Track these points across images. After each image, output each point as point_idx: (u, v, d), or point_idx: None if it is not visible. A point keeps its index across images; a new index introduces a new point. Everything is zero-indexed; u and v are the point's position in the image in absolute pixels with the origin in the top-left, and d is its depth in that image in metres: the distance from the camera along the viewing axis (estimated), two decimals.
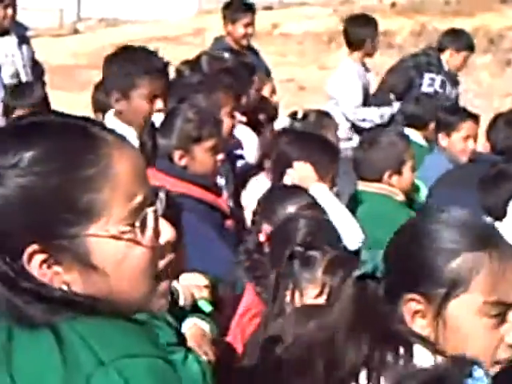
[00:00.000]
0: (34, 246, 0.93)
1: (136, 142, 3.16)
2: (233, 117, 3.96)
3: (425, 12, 15.89)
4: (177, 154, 3.25)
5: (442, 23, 14.65)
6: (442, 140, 5.04)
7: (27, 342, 0.93)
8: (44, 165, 0.92)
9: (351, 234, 3.26)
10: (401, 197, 3.88)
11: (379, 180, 3.76)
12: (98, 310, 0.94)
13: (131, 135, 3.15)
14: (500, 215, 3.12)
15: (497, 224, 2.55)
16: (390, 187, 3.81)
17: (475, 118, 5.18)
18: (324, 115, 4.81)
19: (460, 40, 6.78)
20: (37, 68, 6.36)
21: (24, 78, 6.11)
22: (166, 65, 3.57)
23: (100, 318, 0.94)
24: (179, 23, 16.84)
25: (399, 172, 3.81)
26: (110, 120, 3.47)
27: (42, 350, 0.91)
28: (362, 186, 3.92)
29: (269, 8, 19.62)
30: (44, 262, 0.93)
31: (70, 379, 0.88)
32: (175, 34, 15.19)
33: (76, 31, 17.62)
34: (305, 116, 4.62)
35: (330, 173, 3.49)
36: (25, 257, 0.93)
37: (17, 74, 6.03)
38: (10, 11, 5.92)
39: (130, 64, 3.43)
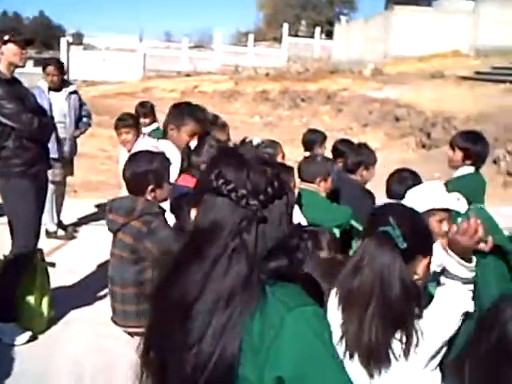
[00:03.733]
0: None
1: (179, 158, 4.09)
2: None
3: (287, 79, 22.49)
4: (203, 166, 3.52)
5: (298, 86, 21.51)
6: None
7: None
8: None
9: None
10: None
11: (313, 182, 4.18)
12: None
13: (176, 154, 4.09)
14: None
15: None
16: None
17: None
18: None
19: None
20: (84, 110, 7.07)
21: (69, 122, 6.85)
22: (205, 115, 4.26)
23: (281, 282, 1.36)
24: (132, 84, 23.56)
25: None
26: (166, 143, 4.26)
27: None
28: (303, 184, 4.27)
29: (188, 75, 26.98)
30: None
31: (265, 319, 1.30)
32: (131, 91, 21.58)
33: None
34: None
35: None
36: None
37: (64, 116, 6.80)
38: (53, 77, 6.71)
39: (183, 110, 4.22)
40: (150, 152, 3.61)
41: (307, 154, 5.45)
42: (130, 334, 3.24)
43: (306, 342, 1.31)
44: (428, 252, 1.95)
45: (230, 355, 1.31)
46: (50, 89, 6.69)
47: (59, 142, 6.71)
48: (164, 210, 3.34)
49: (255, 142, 5.23)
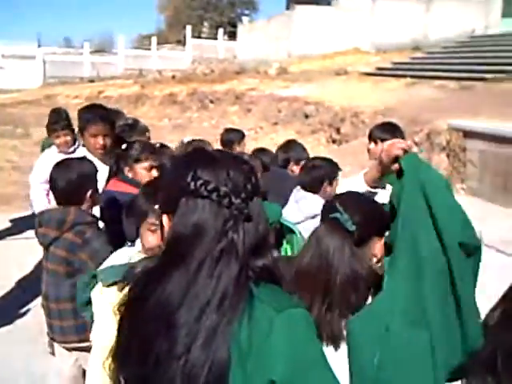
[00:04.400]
0: None
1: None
2: None
3: (193, 80, 22.46)
4: (126, 170, 3.74)
5: (206, 87, 21.53)
6: None
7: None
8: None
9: None
10: None
11: None
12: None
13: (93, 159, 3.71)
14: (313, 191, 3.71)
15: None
16: None
17: None
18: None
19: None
20: None
21: None
22: (107, 115, 4.04)
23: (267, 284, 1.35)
24: (32, 91, 22.73)
25: None
26: (82, 150, 4.12)
27: None
28: None
29: (92, 81, 26.34)
30: None
31: (253, 323, 1.29)
32: (33, 99, 20.87)
33: None
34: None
35: None
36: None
37: None
38: None
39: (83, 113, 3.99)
40: (75, 158, 3.47)
41: None
42: (69, 349, 3.13)
43: (297, 344, 1.30)
44: (383, 232, 1.97)
45: (222, 363, 1.27)
46: None
47: None
48: (97, 219, 3.24)
49: (186, 141, 5.16)
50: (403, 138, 4.02)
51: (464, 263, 1.71)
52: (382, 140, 3.86)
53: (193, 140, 5.20)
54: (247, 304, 1.31)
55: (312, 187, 3.71)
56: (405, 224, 1.77)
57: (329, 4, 28.97)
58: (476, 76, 14.62)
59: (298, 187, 3.80)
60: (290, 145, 5.04)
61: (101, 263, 2.60)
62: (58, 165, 3.22)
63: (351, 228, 1.87)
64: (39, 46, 34.09)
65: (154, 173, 3.70)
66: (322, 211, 2.06)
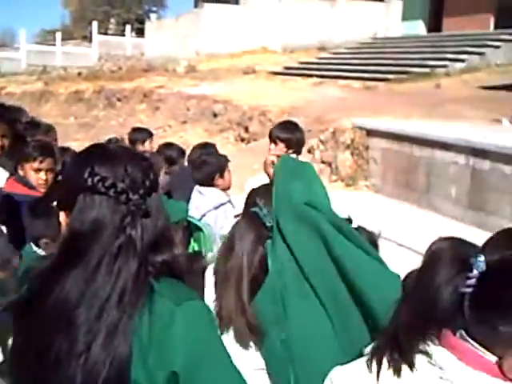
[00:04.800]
0: None
1: None
2: None
3: (100, 78, 22.04)
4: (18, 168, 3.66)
5: (113, 85, 21.13)
6: None
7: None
8: None
9: None
10: None
11: None
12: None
13: None
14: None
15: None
16: None
17: None
18: None
19: None
20: None
21: None
22: (3, 113, 3.87)
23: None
24: None
25: None
26: None
27: None
28: None
29: None
30: None
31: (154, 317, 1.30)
32: None
33: None
34: None
35: None
36: None
37: None
38: None
39: None
40: None
41: None
42: None
43: (197, 335, 1.33)
44: None
45: (123, 360, 1.27)
46: None
47: None
48: None
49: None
50: (302, 137, 4.13)
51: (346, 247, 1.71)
52: (282, 140, 3.94)
53: (110, 140, 5.20)
54: (147, 299, 1.31)
55: (206, 182, 3.92)
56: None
57: (237, 3, 29.13)
58: (379, 76, 15.16)
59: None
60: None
61: (3, 262, 2.53)
62: None
63: (269, 223, 1.86)
64: None
65: (43, 175, 3.60)
66: (243, 205, 2.07)
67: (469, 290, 1.16)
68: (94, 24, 35.26)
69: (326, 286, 1.66)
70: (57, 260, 1.38)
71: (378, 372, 1.23)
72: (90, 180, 1.34)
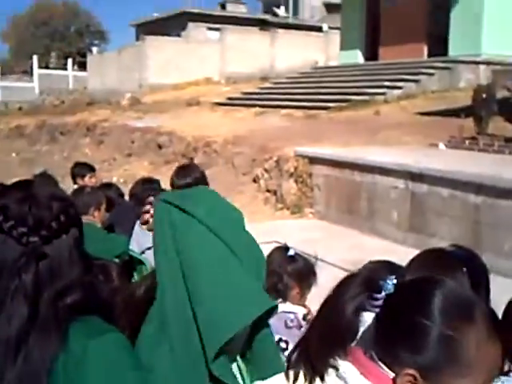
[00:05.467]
0: None
1: None
2: None
3: (42, 112, 21.82)
4: None
5: (55, 119, 20.92)
6: None
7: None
8: None
9: None
10: None
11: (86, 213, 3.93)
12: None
13: None
14: None
15: None
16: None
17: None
18: None
19: None
20: None
21: None
22: None
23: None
24: None
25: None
26: None
27: None
28: None
29: None
30: None
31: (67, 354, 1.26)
32: None
33: None
34: None
35: None
36: None
37: None
38: None
39: None
40: None
41: (76, 186, 5.49)
42: None
43: (111, 368, 1.30)
44: None
45: None
46: None
47: None
48: None
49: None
50: (203, 176, 4.15)
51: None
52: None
53: (40, 174, 5.14)
54: (60, 339, 1.28)
55: None
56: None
57: (178, 35, 29.39)
58: (320, 105, 15.50)
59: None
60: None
61: None
62: None
63: None
64: None
65: None
66: None
67: (375, 310, 1.22)
68: (35, 58, 34.95)
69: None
70: None
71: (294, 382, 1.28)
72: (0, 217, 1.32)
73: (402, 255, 1.94)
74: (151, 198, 3.69)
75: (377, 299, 1.22)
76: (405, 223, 8.12)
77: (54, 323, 1.30)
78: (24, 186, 1.42)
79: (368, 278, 1.26)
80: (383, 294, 1.22)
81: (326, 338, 1.24)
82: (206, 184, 3.99)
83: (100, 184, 5.48)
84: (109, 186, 5.36)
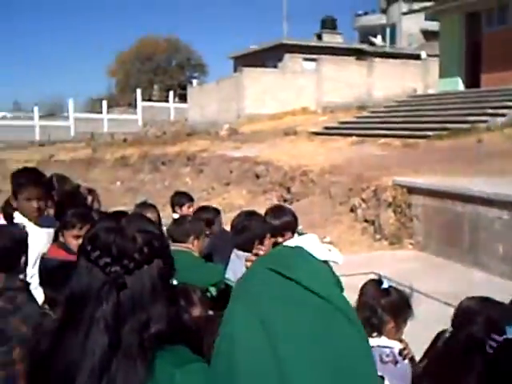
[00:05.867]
0: None
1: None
2: None
3: (145, 143, 22.70)
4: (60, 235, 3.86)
5: (157, 149, 21.73)
6: None
7: None
8: None
9: None
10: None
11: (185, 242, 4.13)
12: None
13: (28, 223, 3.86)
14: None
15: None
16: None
17: None
18: None
19: None
20: None
21: None
22: (40, 178, 4.04)
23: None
24: None
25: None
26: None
27: None
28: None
29: (42, 145, 26.21)
30: None
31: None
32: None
33: None
34: None
35: None
36: None
37: None
38: None
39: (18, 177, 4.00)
40: (4, 224, 3.53)
41: (176, 215, 5.62)
42: None
43: None
44: None
45: None
46: None
47: None
48: (28, 284, 3.20)
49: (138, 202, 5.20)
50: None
51: None
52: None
53: (141, 203, 5.31)
54: (146, 368, 1.31)
55: (244, 247, 3.74)
56: None
57: (275, 66, 29.85)
58: (418, 134, 15.22)
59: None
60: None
61: (36, 328, 2.63)
62: None
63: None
64: None
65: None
66: None
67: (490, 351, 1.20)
68: (138, 91, 36.52)
69: None
70: (56, 326, 1.42)
71: None
72: (87, 246, 1.39)
73: (510, 290, 1.88)
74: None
75: (496, 341, 1.20)
76: (511, 256, 7.80)
77: (139, 352, 1.32)
78: (116, 217, 1.47)
79: (491, 319, 1.24)
80: (503, 337, 1.20)
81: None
82: (296, 226, 4.00)
83: (197, 208, 5.58)
84: (205, 208, 5.47)
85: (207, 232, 4.54)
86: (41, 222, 4.02)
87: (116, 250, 1.35)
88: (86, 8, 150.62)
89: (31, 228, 3.86)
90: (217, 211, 5.38)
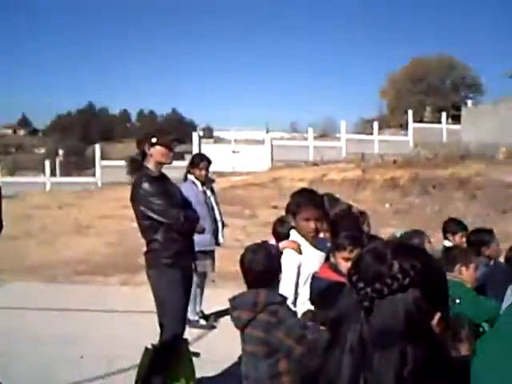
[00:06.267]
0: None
1: None
2: None
3: (414, 165, 22.25)
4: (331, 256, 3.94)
5: (428, 172, 21.11)
6: None
7: None
8: None
9: None
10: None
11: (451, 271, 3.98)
12: None
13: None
14: None
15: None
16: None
17: None
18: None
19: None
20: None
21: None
22: (318, 199, 4.19)
23: None
24: (260, 174, 24.35)
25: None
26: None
27: None
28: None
29: (316, 164, 27.32)
30: None
31: None
32: (260, 181, 22.30)
33: None
34: None
35: None
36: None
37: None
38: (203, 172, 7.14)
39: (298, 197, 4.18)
40: (262, 243, 3.77)
41: (447, 243, 5.54)
42: None
43: None
44: None
45: None
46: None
47: (214, 234, 7.19)
48: (285, 298, 3.36)
49: (398, 234, 5.21)
50: None
51: None
52: None
53: (406, 232, 5.18)
54: None
55: None
56: None
57: None
58: None
59: None
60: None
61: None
62: (255, 249, 3.44)
63: None
64: (267, 131, 36.64)
65: None
66: None
67: None
68: (410, 112, 36.23)
69: None
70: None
71: None
72: (352, 270, 1.48)
73: None
74: None
75: None
76: None
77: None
78: (385, 242, 1.57)
79: None
80: None
81: None
82: None
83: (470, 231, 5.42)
84: (479, 230, 5.35)
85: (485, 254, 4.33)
86: (316, 243, 4.14)
87: (371, 274, 1.40)
88: (363, 32, 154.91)
89: (306, 247, 4.03)
90: (491, 233, 5.19)
